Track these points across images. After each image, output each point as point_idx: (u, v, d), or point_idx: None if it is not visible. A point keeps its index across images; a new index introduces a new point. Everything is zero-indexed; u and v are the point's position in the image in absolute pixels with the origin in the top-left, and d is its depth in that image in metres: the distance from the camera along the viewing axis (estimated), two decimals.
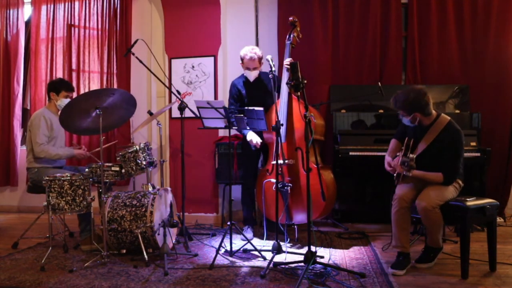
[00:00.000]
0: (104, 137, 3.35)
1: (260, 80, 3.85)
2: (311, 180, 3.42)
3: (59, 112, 3.80)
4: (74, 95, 4.95)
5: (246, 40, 4.64)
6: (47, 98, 3.89)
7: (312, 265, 2.71)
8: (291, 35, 3.66)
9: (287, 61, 3.61)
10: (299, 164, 3.51)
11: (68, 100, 3.70)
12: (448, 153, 2.81)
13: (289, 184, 3.35)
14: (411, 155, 2.84)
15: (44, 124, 3.62)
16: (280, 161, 3.25)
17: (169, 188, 3.59)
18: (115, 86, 4.94)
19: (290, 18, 3.70)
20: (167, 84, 4.29)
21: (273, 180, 3.37)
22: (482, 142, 4.05)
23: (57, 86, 3.75)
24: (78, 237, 3.62)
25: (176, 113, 4.39)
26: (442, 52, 4.42)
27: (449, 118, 2.89)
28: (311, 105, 3.60)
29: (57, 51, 5.15)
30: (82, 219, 3.44)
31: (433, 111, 2.90)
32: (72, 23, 5.12)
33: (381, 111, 4.25)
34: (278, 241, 3.09)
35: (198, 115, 3.33)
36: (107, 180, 3.43)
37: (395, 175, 3.01)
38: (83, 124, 3.27)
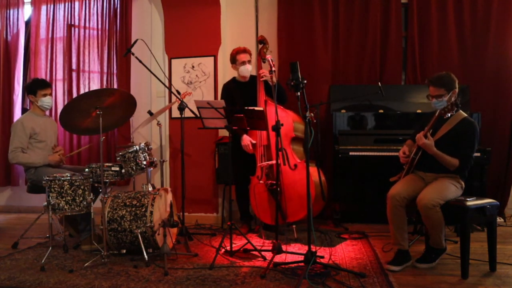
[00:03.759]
0: (104, 137, 3.35)
1: (251, 83, 3.91)
2: (296, 176, 3.55)
3: (46, 113, 3.80)
4: (75, 94, 5.01)
5: (246, 40, 4.65)
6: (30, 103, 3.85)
7: (312, 265, 2.71)
8: (261, 51, 3.81)
9: (260, 72, 3.75)
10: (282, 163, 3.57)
11: (48, 98, 3.68)
12: (464, 142, 2.86)
13: (273, 182, 3.40)
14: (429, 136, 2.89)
15: (21, 131, 3.59)
16: (267, 162, 3.47)
17: (169, 188, 3.59)
18: (115, 86, 4.94)
19: (259, 37, 3.88)
20: (167, 84, 4.29)
21: (262, 182, 3.60)
22: (482, 142, 4.05)
23: (32, 88, 3.68)
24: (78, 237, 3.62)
25: (176, 113, 4.39)
26: (442, 52, 4.43)
27: (465, 114, 2.95)
28: (311, 106, 3.61)
29: (57, 51, 5.15)
30: (82, 219, 3.44)
31: None
32: (72, 23, 5.12)
33: (381, 111, 4.25)
34: (279, 241, 3.09)
35: (198, 115, 3.33)
36: (107, 180, 3.43)
37: (404, 168, 3.08)
38: (83, 124, 3.26)
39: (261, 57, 3.79)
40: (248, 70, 3.89)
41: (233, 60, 3.92)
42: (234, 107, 3.19)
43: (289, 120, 3.66)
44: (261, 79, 3.73)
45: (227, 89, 4.01)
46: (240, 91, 3.94)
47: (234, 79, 4.03)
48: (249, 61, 3.90)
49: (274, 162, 3.45)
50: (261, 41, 3.85)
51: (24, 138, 3.59)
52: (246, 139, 3.76)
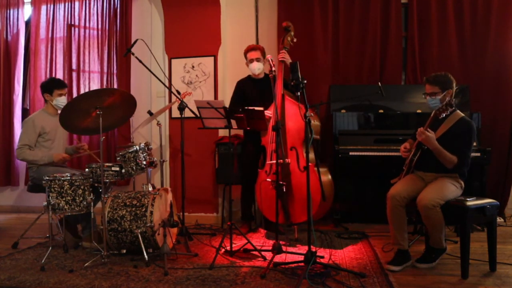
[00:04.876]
0: (104, 137, 3.35)
1: (266, 81, 3.88)
2: (304, 179, 3.47)
3: (58, 112, 3.81)
4: (75, 94, 5.01)
5: (246, 40, 4.64)
6: (43, 101, 3.91)
7: (312, 265, 2.71)
8: (284, 39, 3.74)
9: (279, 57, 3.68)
10: (293, 163, 3.54)
11: (63, 98, 3.75)
12: (461, 141, 2.87)
13: (283, 183, 3.36)
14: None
15: (31, 129, 3.64)
16: (274, 161, 3.33)
17: (169, 188, 3.59)
18: (115, 86, 4.94)
19: (284, 24, 3.78)
20: (167, 84, 4.29)
21: (269, 180, 3.49)
22: (482, 142, 4.05)
23: (48, 87, 3.75)
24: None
25: (176, 113, 4.39)
26: (442, 52, 4.43)
27: (462, 114, 2.95)
28: (311, 105, 3.60)
29: (57, 51, 5.16)
30: (83, 218, 3.44)
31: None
32: (72, 23, 5.12)
33: (381, 111, 4.25)
34: (279, 241, 3.08)
35: (198, 115, 3.33)
36: (107, 180, 3.43)
37: (405, 164, 3.07)
38: (83, 124, 3.26)
39: (283, 45, 3.72)
40: (256, 68, 3.89)
41: (245, 57, 3.95)
42: (234, 107, 3.18)
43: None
44: (279, 60, 3.66)
45: (240, 86, 4.04)
46: (254, 88, 3.95)
47: (249, 76, 4.05)
48: (258, 59, 3.87)
49: (282, 161, 3.41)
50: (286, 27, 3.73)
51: (33, 136, 3.64)
52: (267, 113, 3.66)
